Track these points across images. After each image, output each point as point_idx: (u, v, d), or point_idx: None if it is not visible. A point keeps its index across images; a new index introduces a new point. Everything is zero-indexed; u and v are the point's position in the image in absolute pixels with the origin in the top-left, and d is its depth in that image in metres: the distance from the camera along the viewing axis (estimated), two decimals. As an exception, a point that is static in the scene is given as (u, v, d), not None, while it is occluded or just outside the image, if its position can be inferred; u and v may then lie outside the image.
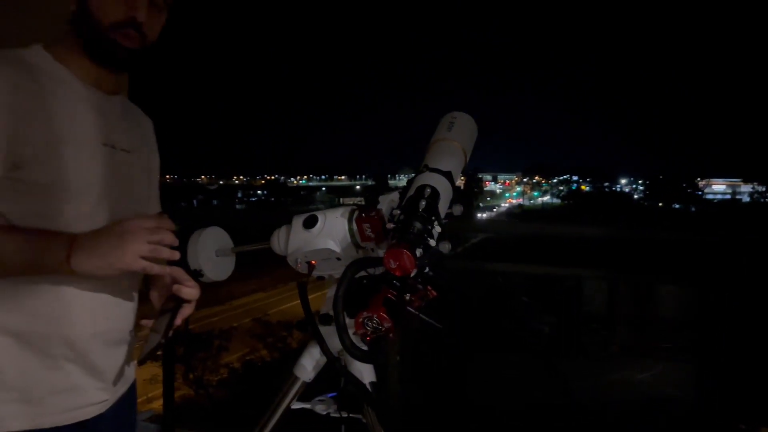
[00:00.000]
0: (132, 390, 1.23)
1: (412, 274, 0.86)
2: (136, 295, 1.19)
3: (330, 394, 1.15)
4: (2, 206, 1.00)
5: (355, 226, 0.99)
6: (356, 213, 1.01)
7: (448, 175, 1.04)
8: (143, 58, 1.12)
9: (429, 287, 0.89)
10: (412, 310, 0.86)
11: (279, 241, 1.09)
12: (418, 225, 0.88)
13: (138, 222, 0.97)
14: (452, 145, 1.13)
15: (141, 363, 1.07)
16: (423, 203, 0.91)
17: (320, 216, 1.04)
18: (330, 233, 1.02)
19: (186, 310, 1.07)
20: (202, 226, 1.20)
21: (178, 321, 1.07)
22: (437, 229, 0.92)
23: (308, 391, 1.15)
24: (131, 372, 1.22)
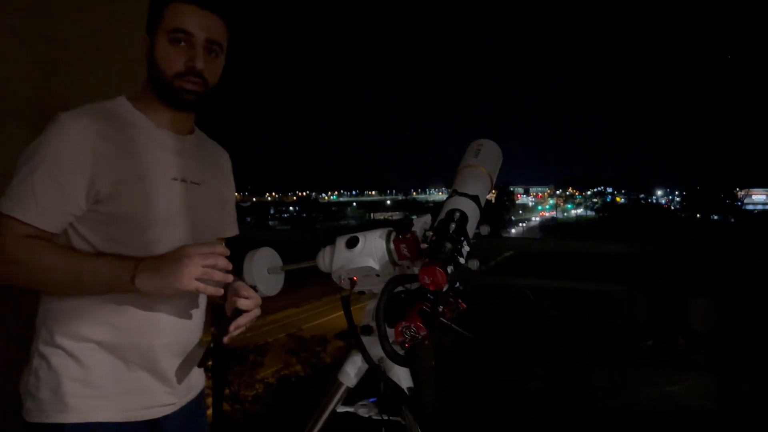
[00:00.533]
0: (200, 397, 1.38)
1: (444, 289, 0.97)
2: (201, 311, 1.34)
3: (371, 399, 1.26)
4: (87, 234, 1.19)
5: (392, 246, 1.10)
6: (393, 234, 1.12)
7: (476, 199, 1.15)
8: (208, 99, 1.28)
9: (459, 300, 1.00)
10: (445, 321, 0.98)
11: (324, 260, 1.21)
12: (448, 245, 0.99)
13: (194, 248, 1.12)
14: (479, 170, 1.23)
15: (200, 366, 1.22)
16: (453, 225, 1.02)
17: (361, 237, 1.16)
18: (370, 252, 1.14)
19: (242, 320, 1.22)
20: (256, 246, 1.33)
21: (232, 328, 1.20)
22: (466, 248, 1.03)
23: (351, 396, 1.27)
24: (199, 381, 1.37)
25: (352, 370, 1.24)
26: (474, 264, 1.05)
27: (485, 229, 1.15)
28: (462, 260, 1.01)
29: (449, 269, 0.96)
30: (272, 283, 1.31)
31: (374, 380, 1.21)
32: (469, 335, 1.00)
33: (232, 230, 1.54)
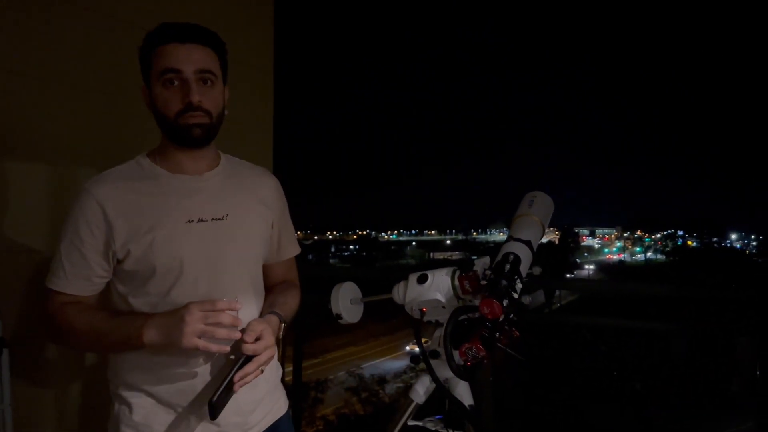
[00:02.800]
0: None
1: (501, 319, 1.18)
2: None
3: (438, 416, 1.45)
4: (122, 290, 1.28)
5: (457, 283, 1.31)
6: (458, 272, 1.33)
7: (528, 244, 1.35)
8: (216, 128, 1.30)
9: (513, 329, 1.20)
10: (501, 345, 1.18)
11: (399, 293, 1.41)
12: (504, 282, 1.19)
13: (197, 305, 1.13)
14: (532, 219, 1.43)
15: (212, 418, 1.16)
16: (508, 266, 1.23)
17: (430, 274, 1.36)
18: (438, 287, 1.34)
19: (250, 367, 1.18)
20: (341, 280, 1.55)
21: (236, 378, 1.17)
22: (519, 285, 1.24)
23: (420, 412, 1.45)
24: (255, 417, 1.37)
25: (422, 389, 1.42)
26: (526, 299, 1.26)
27: (537, 270, 1.35)
28: (516, 295, 1.22)
29: (505, 302, 1.17)
30: (354, 313, 1.52)
31: (440, 398, 1.40)
32: (522, 359, 1.19)
33: (291, 249, 1.55)
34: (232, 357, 1.23)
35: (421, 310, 1.39)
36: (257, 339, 1.20)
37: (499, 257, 1.28)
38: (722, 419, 3.03)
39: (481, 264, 1.32)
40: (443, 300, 1.34)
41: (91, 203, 1.23)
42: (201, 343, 1.11)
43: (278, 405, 1.47)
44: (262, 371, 1.22)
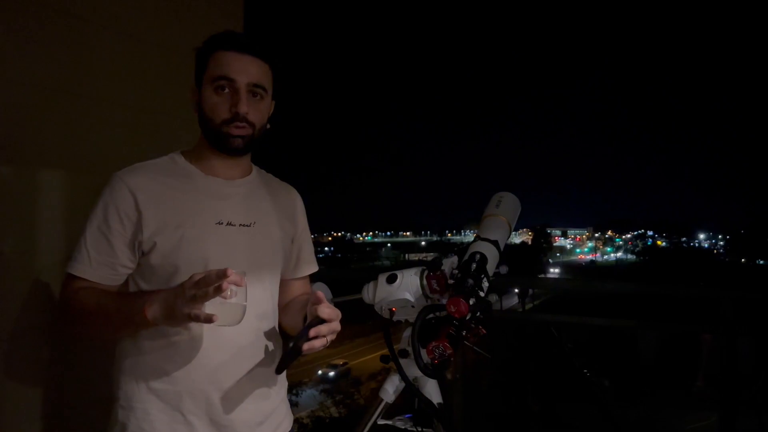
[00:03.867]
0: None
1: (468, 317, 1.19)
2: (260, 357, 1.31)
3: (407, 415, 1.47)
4: (142, 284, 1.25)
5: (425, 282, 1.32)
6: (426, 272, 1.34)
7: (495, 243, 1.37)
8: (259, 142, 1.31)
9: (480, 327, 1.22)
10: (468, 343, 1.20)
11: (368, 293, 1.41)
12: (470, 281, 1.21)
13: (196, 275, 1.04)
14: (499, 219, 1.45)
15: (278, 372, 1.17)
16: (474, 265, 1.25)
17: (399, 274, 1.38)
18: (406, 287, 1.35)
19: (324, 328, 1.14)
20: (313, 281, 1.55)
21: (312, 334, 1.13)
22: (486, 284, 1.26)
23: (390, 411, 1.47)
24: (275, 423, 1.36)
25: (391, 388, 1.44)
26: (493, 298, 1.28)
27: (504, 269, 1.37)
28: (482, 294, 1.24)
29: (471, 301, 1.18)
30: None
31: (410, 398, 1.42)
32: (489, 356, 1.21)
33: (310, 267, 1.55)
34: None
35: (390, 310, 1.40)
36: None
37: (466, 256, 1.30)
38: (688, 414, 3.12)
39: (449, 263, 1.34)
40: (412, 299, 1.35)
41: (122, 191, 1.21)
42: (193, 311, 1.02)
43: (286, 421, 1.43)
44: (327, 343, 1.16)
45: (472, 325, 1.20)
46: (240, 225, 1.30)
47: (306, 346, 1.12)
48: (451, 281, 1.28)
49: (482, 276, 1.25)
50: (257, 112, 1.27)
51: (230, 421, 1.24)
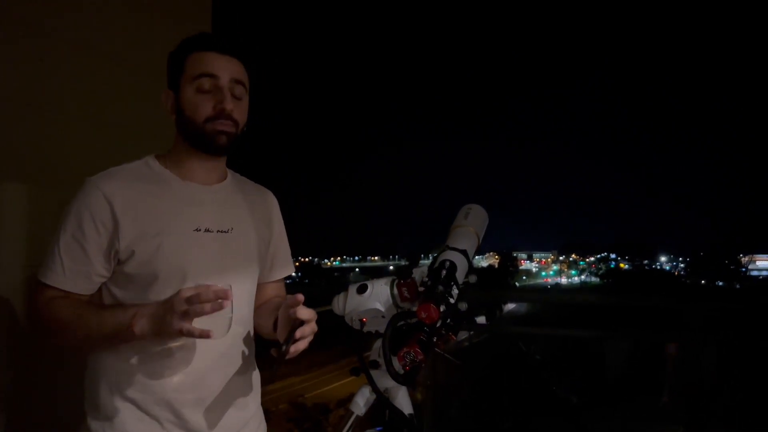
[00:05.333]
0: None
1: (438, 324, 1.20)
2: (238, 364, 1.31)
3: (378, 428, 1.45)
4: (117, 294, 1.22)
5: (396, 290, 1.33)
6: (396, 281, 1.35)
7: (464, 253, 1.39)
8: (239, 142, 1.29)
9: (450, 333, 1.22)
10: (438, 350, 1.20)
11: (339, 304, 1.41)
12: (440, 288, 1.22)
13: (181, 292, 1.06)
14: (468, 230, 1.48)
15: (270, 379, 1.25)
16: (444, 272, 1.26)
17: (369, 284, 1.38)
18: (377, 297, 1.35)
19: (306, 329, 1.16)
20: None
21: (297, 335, 1.15)
22: (456, 291, 1.27)
23: (361, 424, 1.45)
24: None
25: (362, 400, 1.42)
26: (463, 306, 1.28)
27: (473, 278, 1.39)
28: (452, 301, 1.24)
29: (441, 308, 1.19)
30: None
31: (381, 410, 1.41)
32: (459, 362, 1.22)
33: (286, 270, 1.54)
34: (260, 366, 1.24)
35: (360, 321, 1.39)
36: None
37: (436, 264, 1.31)
38: (655, 427, 3.16)
39: (419, 272, 1.35)
40: (383, 309, 1.35)
41: (97, 197, 1.18)
42: (185, 327, 1.04)
43: (261, 429, 1.44)
44: (307, 345, 1.19)
45: (443, 332, 1.20)
46: (217, 231, 1.29)
47: (292, 349, 1.14)
48: (421, 288, 1.28)
49: (452, 283, 1.26)
50: (240, 110, 1.27)
51: (210, 430, 1.24)
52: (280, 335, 1.25)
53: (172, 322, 1.04)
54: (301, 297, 1.19)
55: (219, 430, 1.25)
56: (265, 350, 1.23)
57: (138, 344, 1.18)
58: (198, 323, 1.06)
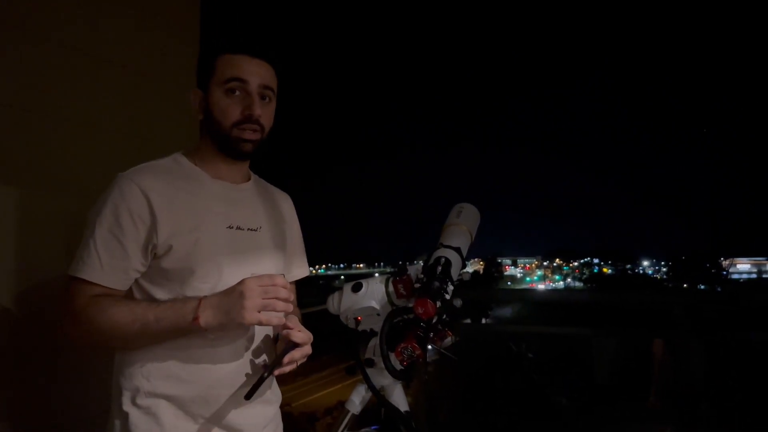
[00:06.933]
0: None
1: (434, 320, 1.21)
2: (263, 361, 1.32)
3: (374, 427, 1.45)
4: (151, 290, 1.22)
5: (391, 287, 1.34)
6: (391, 279, 1.36)
7: (458, 250, 1.40)
8: (265, 146, 1.32)
9: (446, 329, 1.24)
10: (434, 346, 1.21)
11: (333, 303, 1.41)
12: (436, 284, 1.23)
13: (254, 281, 1.11)
14: (461, 228, 1.48)
15: (247, 398, 1.16)
16: (439, 268, 1.27)
17: (364, 282, 1.38)
18: (372, 295, 1.36)
19: (297, 353, 1.19)
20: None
21: (286, 360, 1.18)
22: (450, 287, 1.28)
23: (357, 423, 1.45)
24: (275, 428, 1.40)
25: (357, 399, 1.42)
26: (458, 302, 1.29)
27: (467, 275, 1.40)
28: (448, 297, 1.25)
29: (437, 303, 1.20)
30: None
31: (377, 409, 1.41)
32: (455, 358, 1.23)
33: (302, 271, 1.58)
34: (260, 363, 1.26)
35: (356, 319, 1.40)
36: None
37: (431, 261, 1.32)
38: (643, 428, 3.18)
39: (414, 270, 1.36)
40: (378, 307, 1.36)
41: (134, 192, 1.17)
42: (263, 317, 1.09)
43: (280, 428, 1.44)
44: (297, 365, 1.23)
45: (439, 328, 1.21)
46: (248, 229, 1.31)
47: (276, 372, 1.18)
48: (417, 285, 1.29)
49: (447, 280, 1.27)
50: (267, 115, 1.29)
51: (241, 425, 1.26)
52: (276, 349, 1.29)
53: (243, 313, 1.08)
54: (295, 319, 1.23)
55: (249, 426, 1.28)
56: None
57: (175, 343, 1.19)
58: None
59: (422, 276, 1.28)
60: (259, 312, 1.10)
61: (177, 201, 1.22)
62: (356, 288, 1.39)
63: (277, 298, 1.12)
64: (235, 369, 1.25)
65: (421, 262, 1.38)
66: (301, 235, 1.58)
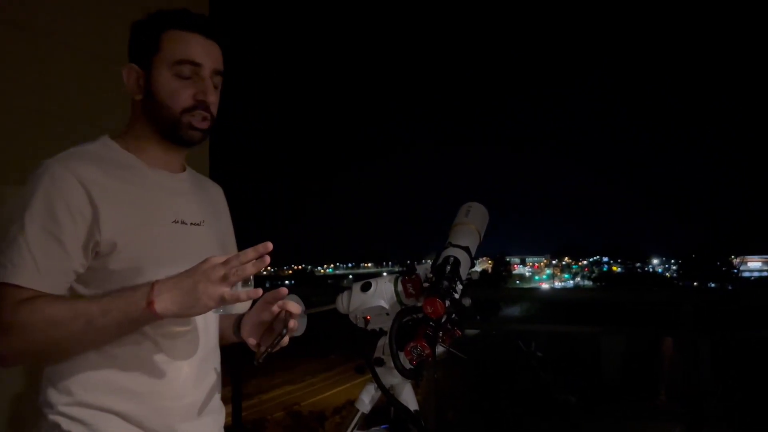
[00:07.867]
0: None
1: (443, 319, 1.22)
2: (219, 370, 1.29)
3: (383, 426, 1.46)
4: (84, 292, 1.08)
5: (400, 287, 1.34)
6: (400, 278, 1.36)
7: (467, 249, 1.40)
8: (210, 135, 1.21)
9: (455, 329, 1.24)
10: (443, 345, 1.22)
11: (343, 303, 1.42)
12: (445, 283, 1.24)
13: (212, 259, 0.97)
14: (469, 227, 1.49)
15: (256, 362, 1.12)
16: (448, 268, 1.28)
17: (373, 282, 1.39)
18: (381, 294, 1.37)
19: (292, 323, 1.13)
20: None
21: (291, 325, 1.14)
22: (459, 286, 1.28)
23: (367, 422, 1.45)
24: None
25: (367, 398, 1.43)
26: (467, 301, 1.30)
27: (476, 274, 1.41)
28: (457, 296, 1.26)
29: (447, 302, 1.21)
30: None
31: (386, 408, 1.41)
32: (464, 356, 1.23)
33: None
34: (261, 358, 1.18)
35: (365, 319, 1.40)
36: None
37: (439, 260, 1.32)
38: (652, 427, 3.18)
39: (423, 269, 1.36)
40: (387, 306, 1.36)
41: (70, 182, 1.04)
42: (227, 292, 0.95)
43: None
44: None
45: (448, 327, 1.22)
46: (191, 224, 1.20)
47: (263, 350, 1.15)
48: (426, 284, 1.30)
49: (456, 279, 1.27)
50: (216, 104, 1.19)
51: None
52: (248, 333, 1.21)
53: (207, 290, 0.94)
54: (284, 290, 1.13)
55: None
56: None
57: (124, 347, 1.08)
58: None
59: (431, 275, 1.29)
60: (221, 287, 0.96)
61: (120, 193, 1.09)
62: (365, 287, 1.39)
63: (243, 263, 0.96)
64: (190, 378, 1.17)
65: (429, 262, 1.38)
66: (232, 227, 1.45)
